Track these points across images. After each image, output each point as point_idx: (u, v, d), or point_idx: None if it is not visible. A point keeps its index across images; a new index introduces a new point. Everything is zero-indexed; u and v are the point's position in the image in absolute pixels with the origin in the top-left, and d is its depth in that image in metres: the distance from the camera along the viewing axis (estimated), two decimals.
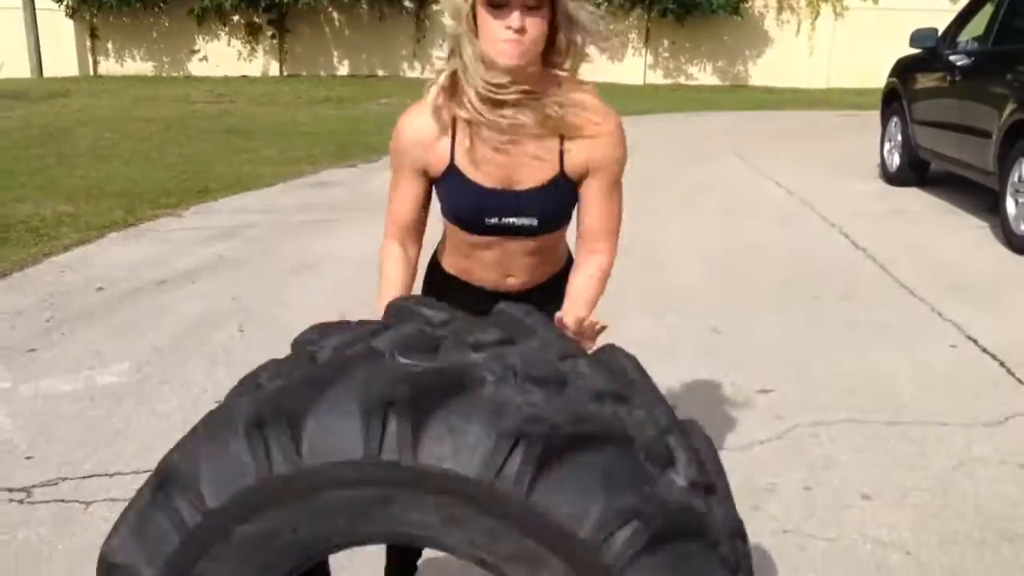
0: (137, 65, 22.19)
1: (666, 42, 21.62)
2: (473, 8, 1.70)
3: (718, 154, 10.33)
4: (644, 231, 6.54)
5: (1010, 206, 5.76)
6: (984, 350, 4.12)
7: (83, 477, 3.07)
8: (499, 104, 1.74)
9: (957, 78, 6.74)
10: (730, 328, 4.47)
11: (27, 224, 6.87)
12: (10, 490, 2.99)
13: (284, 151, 10.91)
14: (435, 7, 21.16)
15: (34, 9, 20.85)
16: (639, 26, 21.40)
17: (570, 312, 1.83)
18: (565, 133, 1.83)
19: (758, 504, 2.86)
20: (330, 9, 21.47)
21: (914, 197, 7.54)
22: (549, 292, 2.01)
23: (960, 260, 5.64)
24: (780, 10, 21.64)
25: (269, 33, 21.87)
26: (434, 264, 2.11)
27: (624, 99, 17.24)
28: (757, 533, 2.71)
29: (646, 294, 5.06)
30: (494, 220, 1.89)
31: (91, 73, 22.07)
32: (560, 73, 1.80)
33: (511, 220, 1.88)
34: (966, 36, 7.00)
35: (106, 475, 3.09)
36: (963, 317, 4.52)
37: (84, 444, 3.31)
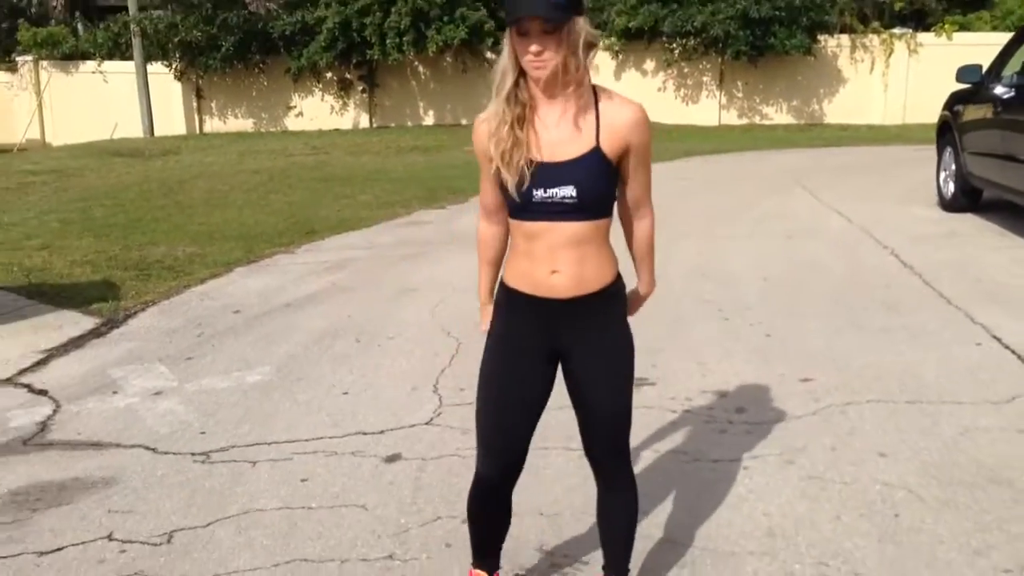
0: (239, 122, 23.71)
1: (740, 83, 22.18)
2: (512, 35, 2.19)
3: (786, 188, 10.90)
4: (716, 254, 7.24)
5: None
6: (1007, 347, 4.67)
7: (247, 446, 3.87)
8: (543, 96, 2.24)
9: (1000, 109, 7.28)
10: (780, 332, 5.11)
11: (162, 263, 7.85)
12: (193, 454, 3.80)
13: (378, 196, 11.82)
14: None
15: (146, 74, 22.51)
16: (713, 69, 22.04)
17: (642, 289, 2.49)
18: (598, 113, 2.25)
19: (792, 460, 3.50)
20: (416, 64, 22.65)
21: (967, 221, 8.04)
22: (598, 307, 2.31)
23: (999, 275, 6.16)
24: (853, 49, 22.05)
25: (360, 88, 23.17)
26: (500, 285, 2.43)
27: (698, 140, 17.96)
28: (788, 480, 3.35)
29: (713, 304, 5.74)
30: (540, 192, 2.21)
31: (197, 131, 23.65)
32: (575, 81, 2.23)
33: (554, 190, 2.20)
34: (1009, 71, 7.53)
35: (265, 444, 3.88)
36: (992, 321, 5.07)
37: (244, 423, 4.12)
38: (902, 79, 21.41)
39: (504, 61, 2.24)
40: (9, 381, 4.83)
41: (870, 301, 5.66)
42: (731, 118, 22.30)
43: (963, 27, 21.51)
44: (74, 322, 5.95)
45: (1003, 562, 2.76)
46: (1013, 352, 4.58)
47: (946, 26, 21.42)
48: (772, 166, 13.47)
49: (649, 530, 3.01)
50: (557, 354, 2.38)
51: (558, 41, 2.13)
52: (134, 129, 22.78)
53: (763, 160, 14.40)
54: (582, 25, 2.18)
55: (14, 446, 3.96)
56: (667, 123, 21.35)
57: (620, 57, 22.07)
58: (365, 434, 3.92)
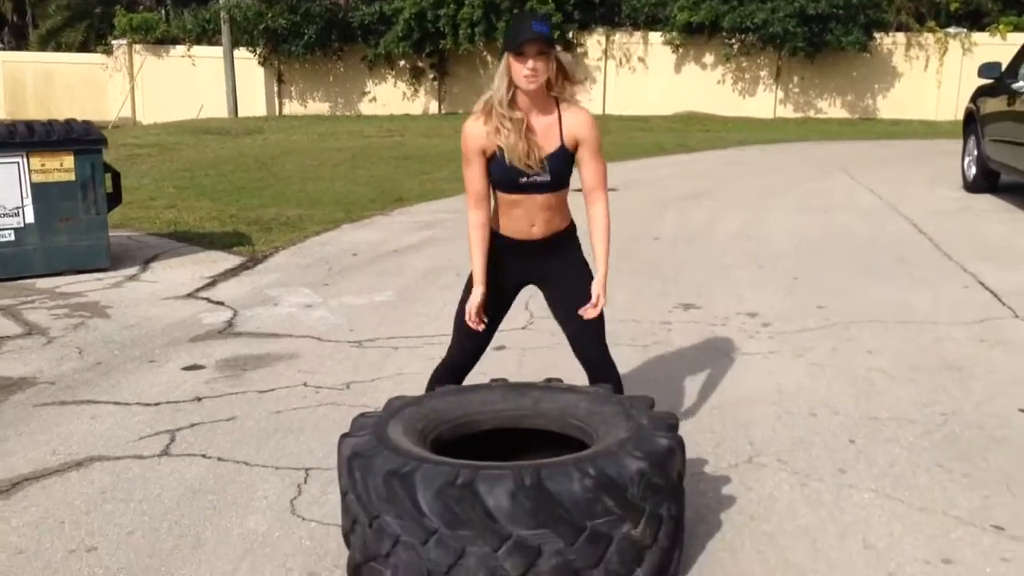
0: (317, 105, 25.15)
1: (796, 78, 23.02)
2: (508, 60, 2.99)
3: (831, 173, 11.92)
4: (760, 222, 8.39)
5: None
6: (987, 288, 5.77)
7: (387, 338, 5.12)
8: (528, 106, 3.04)
9: (1014, 101, 8.27)
10: (805, 276, 6.25)
11: (278, 220, 9.15)
12: (348, 342, 5.06)
13: (454, 173, 13.00)
14: (579, 50, 23.33)
15: (232, 59, 24.03)
16: (770, 64, 22.92)
17: (599, 283, 3.18)
18: (561, 121, 3.06)
19: (801, 354, 4.65)
20: (485, 53, 23.82)
21: (983, 200, 9.06)
22: (562, 240, 3.21)
23: (997, 240, 7.21)
24: (909, 47, 22.76)
25: (431, 76, 24.46)
26: (491, 232, 3.22)
27: (754, 131, 18.96)
28: (797, 365, 4.51)
29: (753, 255, 6.93)
30: (523, 179, 3.06)
31: (277, 113, 25.13)
32: (552, 94, 3.05)
33: (535, 178, 3.06)
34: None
35: (400, 337, 5.12)
36: (981, 271, 6.16)
37: (381, 325, 5.38)
38: (955, 77, 22.01)
39: (498, 80, 3.04)
40: (191, 296, 6.16)
41: (884, 257, 6.76)
42: (786, 112, 23.13)
43: (1017, 27, 22.08)
44: (224, 259, 7.29)
45: (943, 409, 3.90)
46: (991, 291, 5.68)
47: (1001, 26, 22.02)
48: (821, 155, 14.43)
49: (691, 393, 4.18)
50: (525, 284, 3.33)
51: (546, 63, 2.97)
52: (218, 110, 24.31)
53: (813, 150, 15.35)
54: (558, 57, 3.04)
55: (213, 335, 5.27)
56: (724, 115, 22.32)
57: (680, 51, 23.05)
58: None
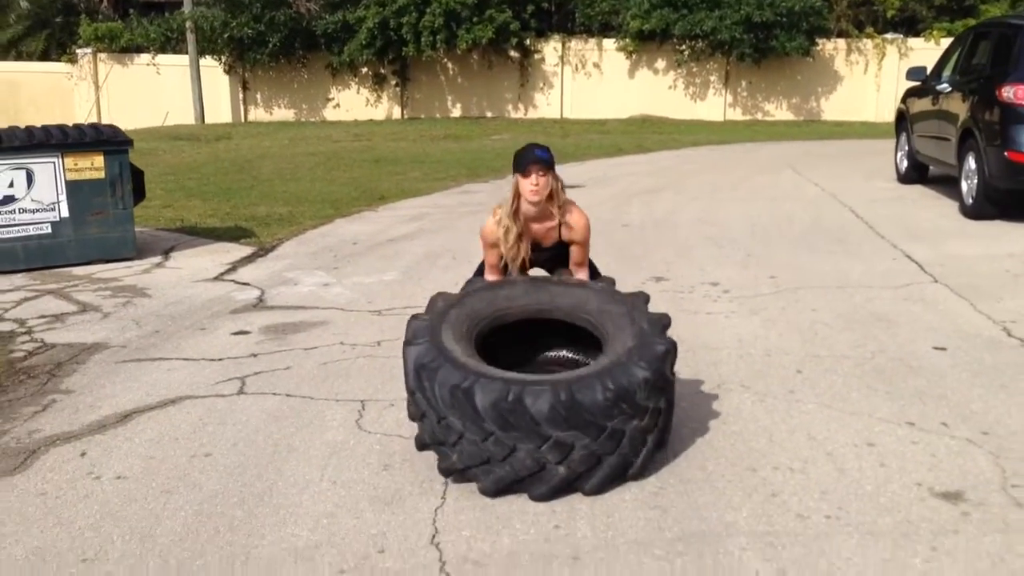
0: (282, 112, 25.77)
1: (744, 83, 24.14)
2: (517, 179, 3.78)
3: (778, 169, 12.91)
4: (717, 210, 9.32)
5: (963, 187, 8.31)
6: (913, 260, 6.73)
7: (403, 307, 5.91)
8: (531, 217, 3.87)
9: (936, 101, 9.30)
10: (757, 253, 7.17)
11: (272, 217, 9.87)
12: (369, 312, 5.86)
13: (427, 173, 13.81)
14: (536, 56, 24.25)
15: (198, 67, 24.58)
16: (719, 69, 24.02)
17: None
18: (562, 227, 3.90)
19: (756, 312, 5.54)
20: (446, 60, 24.64)
21: (914, 190, 10.09)
22: None
23: (924, 223, 8.20)
24: (849, 52, 24.01)
25: (393, 82, 25.19)
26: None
27: (706, 132, 20.01)
28: (753, 320, 5.39)
29: (712, 238, 7.84)
30: (533, 265, 4.01)
31: (243, 120, 25.69)
32: (553, 206, 3.85)
33: (541, 261, 4.04)
34: (946, 71, 9.54)
35: (415, 306, 5.87)
36: (908, 248, 7.12)
37: (394, 299, 6.18)
38: (893, 80, 23.21)
39: (511, 194, 3.83)
40: (218, 279, 6.91)
41: (825, 238, 7.71)
42: (736, 115, 24.23)
43: (950, 33, 23.41)
44: (236, 249, 8.03)
45: (872, 348, 4.80)
46: (916, 263, 6.65)
47: (935, 32, 23.33)
48: (769, 154, 15.45)
49: None
50: None
51: (546, 181, 3.76)
52: (183, 117, 24.81)
53: (761, 149, 16.38)
54: (556, 176, 3.84)
55: (248, 308, 6.03)
56: (677, 118, 23.37)
57: (634, 57, 24.06)
58: None
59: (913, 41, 23.46)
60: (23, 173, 7.03)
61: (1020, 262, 6.55)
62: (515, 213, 3.84)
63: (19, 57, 29.12)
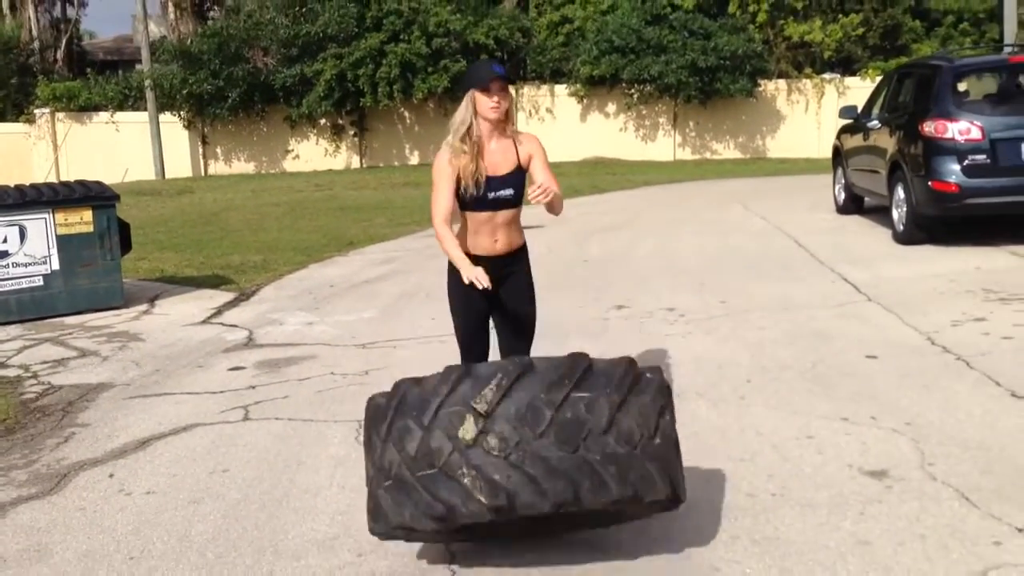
0: (241, 165, 26.18)
1: (692, 123, 25.05)
2: (473, 95, 3.63)
3: (727, 204, 13.59)
4: (671, 244, 9.92)
5: (895, 215, 9.00)
6: (849, 283, 7.35)
7: (386, 341, 6.39)
8: (488, 135, 3.68)
9: (868, 137, 10.03)
10: (710, 282, 7.75)
11: (246, 265, 10.29)
12: (355, 346, 6.32)
13: (392, 219, 14.29)
14: None
15: (158, 124, 24.96)
16: (668, 111, 24.92)
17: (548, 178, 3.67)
18: (516, 145, 3.71)
19: (710, 332, 6.09)
20: (402, 109, 25.27)
21: (852, 220, 10.80)
22: (519, 257, 3.86)
23: (860, 250, 8.86)
24: (790, 92, 25.06)
25: (351, 132, 25.76)
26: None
27: (656, 172, 20.77)
28: (707, 339, 5.93)
29: (667, 269, 8.45)
30: (492, 194, 3.66)
31: (203, 174, 26.05)
32: (508, 125, 3.72)
33: (501, 192, 3.67)
34: (875, 109, 10.29)
35: (396, 339, 6.39)
36: (845, 272, 7.75)
37: (376, 333, 6.64)
38: (832, 117, 24.03)
39: (463, 114, 3.65)
40: (206, 322, 7.34)
41: (771, 265, 8.33)
42: (685, 154, 25.10)
43: (884, 71, 24.57)
44: (218, 295, 8.46)
45: (812, 359, 5.36)
46: (852, 284, 7.27)
47: (870, 71, 24.44)
48: (718, 190, 16.17)
49: None
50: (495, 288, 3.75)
51: (507, 96, 3.67)
52: (143, 173, 25.12)
53: (711, 186, 17.11)
54: (510, 93, 3.73)
55: (239, 347, 6.47)
56: (628, 160, 24.18)
57: (585, 102, 24.90)
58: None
59: (850, 80, 24.56)
60: (16, 229, 7.42)
61: (945, 281, 7.19)
62: (467, 134, 3.66)
63: None
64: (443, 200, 3.72)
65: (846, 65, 25.56)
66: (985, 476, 3.65)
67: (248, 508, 3.74)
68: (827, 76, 24.81)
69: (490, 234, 3.79)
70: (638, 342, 5.95)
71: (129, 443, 4.58)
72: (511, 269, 3.88)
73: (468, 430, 2.76)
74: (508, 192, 3.74)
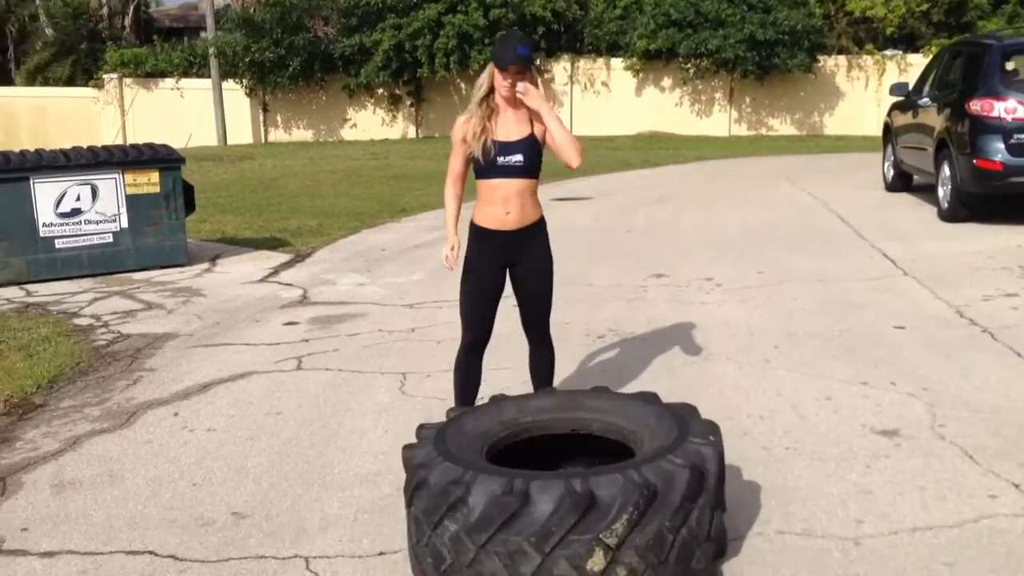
0: (300, 133, 26.68)
1: (748, 99, 24.91)
2: (492, 72, 3.64)
3: (777, 181, 13.64)
4: (715, 217, 10.07)
5: (940, 192, 9.06)
6: (888, 258, 7.47)
7: (432, 302, 6.69)
8: (505, 105, 3.66)
9: (917, 114, 10.06)
10: (749, 254, 7.92)
11: (303, 229, 10.66)
12: (402, 305, 6.63)
13: (444, 188, 14.58)
14: (546, 75, 25.05)
15: (221, 91, 25.52)
16: (724, 86, 24.81)
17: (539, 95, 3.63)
18: (532, 117, 3.65)
19: (744, 301, 6.29)
20: (459, 80, 25.47)
21: (899, 198, 10.84)
22: (535, 232, 3.76)
23: (902, 226, 8.95)
24: (850, 69, 24.77)
25: (408, 103, 26.08)
26: (471, 225, 3.79)
27: (711, 147, 20.79)
28: (740, 307, 6.13)
29: (709, 241, 8.63)
30: (501, 159, 3.63)
31: (263, 141, 26.60)
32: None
33: (511, 157, 3.62)
34: (926, 87, 10.30)
35: (442, 300, 6.68)
36: (885, 247, 7.87)
37: (423, 295, 6.95)
38: None
39: (483, 80, 3.69)
40: (263, 281, 7.71)
41: (812, 239, 8.47)
42: (741, 130, 24.98)
43: None
44: (275, 256, 8.84)
45: (840, 328, 5.53)
46: (890, 259, 7.40)
47: (933, 48, 24.02)
48: (770, 167, 16.16)
49: (665, 326, 5.79)
50: (508, 265, 3.79)
51: (524, 78, 3.61)
52: (206, 138, 25.74)
53: (764, 163, 17.10)
54: (534, 71, 3.71)
55: (294, 304, 6.82)
56: (683, 134, 24.15)
57: (640, 76, 24.89)
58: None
59: (912, 57, 24.16)
60: (88, 188, 7.85)
61: (983, 257, 7.29)
62: (485, 100, 3.69)
63: (45, 83, 30.17)
64: (455, 161, 3.81)
65: (909, 42, 25.16)
66: (992, 438, 3.84)
67: (299, 446, 4.07)
68: (888, 53, 24.45)
69: (502, 204, 3.72)
70: (673, 310, 6.17)
71: (192, 387, 4.95)
72: (526, 246, 3.81)
73: (597, 563, 2.59)
74: (518, 158, 3.68)
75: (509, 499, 2.56)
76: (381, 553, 3.11)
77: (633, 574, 2.59)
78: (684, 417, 3.06)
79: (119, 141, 26.95)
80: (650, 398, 3.32)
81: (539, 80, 3.74)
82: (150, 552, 3.17)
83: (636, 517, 2.57)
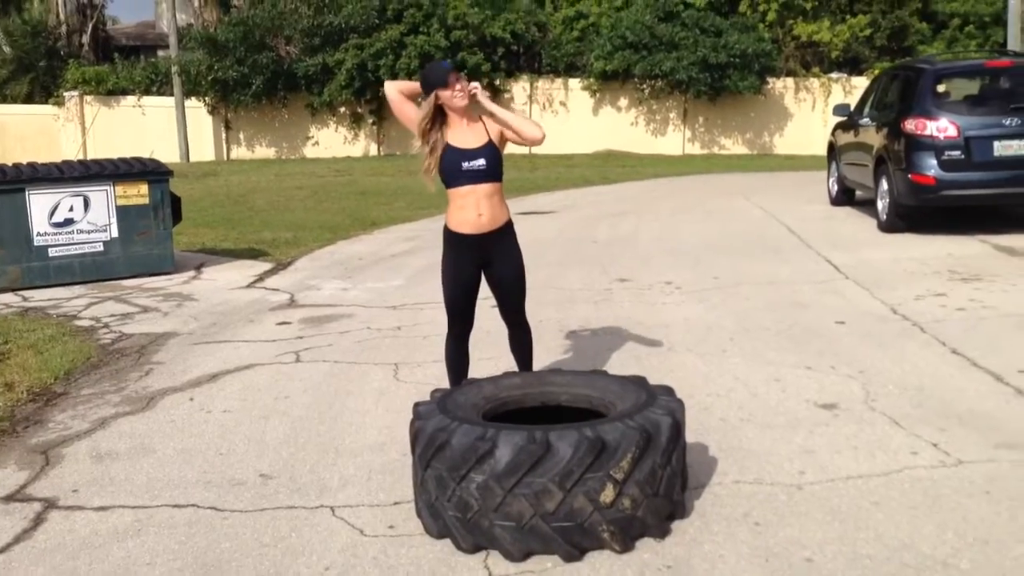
0: (263, 150, 27.03)
1: (701, 119, 25.80)
2: (437, 96, 3.90)
3: (730, 196, 14.34)
4: (673, 229, 10.69)
5: (879, 205, 9.78)
6: (831, 264, 8.13)
7: (413, 303, 7.19)
8: (459, 116, 3.99)
9: (858, 133, 10.81)
10: (705, 261, 8.54)
11: (278, 240, 11.10)
12: (386, 307, 7.13)
13: (411, 203, 15.04)
14: (506, 95, 25.71)
15: (184, 108, 25.81)
16: (678, 106, 25.65)
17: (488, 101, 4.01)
18: (486, 124, 3.98)
19: (701, 301, 6.88)
20: (420, 100, 25.99)
21: (842, 211, 11.58)
22: (505, 233, 4.10)
23: (845, 236, 9.65)
24: (797, 90, 25.77)
25: (370, 121, 26.58)
26: (446, 231, 4.13)
27: (666, 165, 21.55)
28: (698, 307, 6.71)
29: (668, 250, 9.22)
30: (466, 164, 3.93)
31: (225, 158, 26.91)
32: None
33: (474, 163, 3.93)
34: (866, 107, 11.06)
35: (422, 302, 7.19)
36: (829, 255, 8.54)
37: (404, 298, 7.45)
38: None
39: (425, 112, 3.94)
40: (250, 286, 8.17)
41: (763, 248, 9.12)
42: (694, 149, 25.84)
43: None
44: (257, 265, 9.28)
45: (788, 323, 6.14)
46: (833, 265, 8.06)
47: (876, 71, 25.08)
48: (723, 183, 16.89)
49: (630, 324, 6.35)
50: (483, 265, 4.14)
51: (464, 81, 3.95)
52: (168, 155, 25.83)
53: (717, 180, 17.84)
54: (463, 79, 3.99)
55: (283, 306, 7.29)
56: (639, 152, 24.93)
57: (597, 96, 25.68)
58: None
59: (857, 80, 25.20)
60: (81, 199, 8.25)
61: (916, 263, 7.97)
62: (430, 130, 3.98)
63: (3, 100, 30.17)
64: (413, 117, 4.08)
65: (853, 65, 26.22)
66: (916, 409, 4.44)
67: (310, 422, 4.56)
68: (834, 75, 25.49)
69: (474, 207, 4.02)
70: (637, 309, 6.74)
71: (202, 376, 5.40)
72: (499, 245, 4.14)
73: (608, 495, 3.07)
74: (481, 162, 3.98)
75: (534, 447, 3.03)
76: (396, 503, 3.60)
77: (634, 503, 3.12)
78: (644, 382, 3.64)
79: (80, 158, 27.07)
80: (603, 373, 3.88)
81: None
82: (193, 505, 3.64)
83: (638, 455, 3.12)
